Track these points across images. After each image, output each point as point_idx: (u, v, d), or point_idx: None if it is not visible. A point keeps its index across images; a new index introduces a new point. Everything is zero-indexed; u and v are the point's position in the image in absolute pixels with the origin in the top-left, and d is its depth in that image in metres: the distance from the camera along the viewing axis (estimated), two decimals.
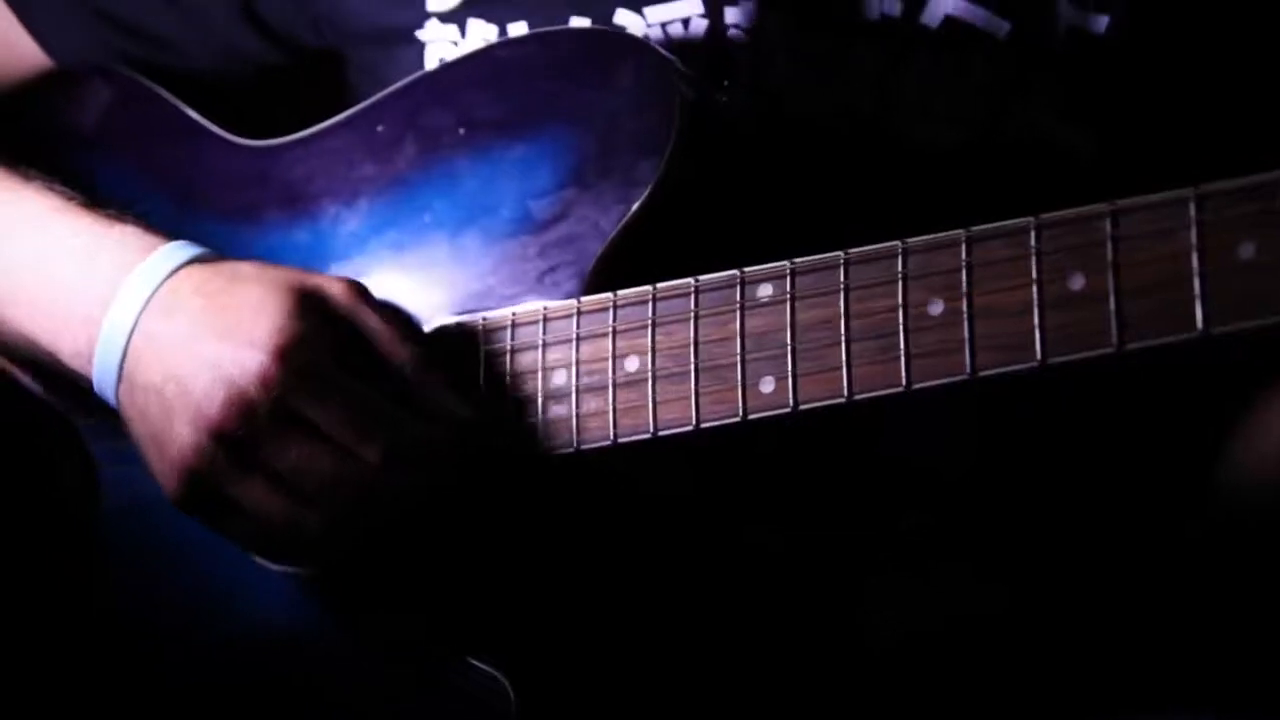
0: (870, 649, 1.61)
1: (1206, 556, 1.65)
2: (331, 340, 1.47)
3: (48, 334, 1.56)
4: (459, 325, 1.55)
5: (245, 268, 1.51)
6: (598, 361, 1.48)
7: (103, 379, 1.52)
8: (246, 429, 1.44)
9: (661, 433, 1.46)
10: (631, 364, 1.47)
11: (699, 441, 1.46)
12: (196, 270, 1.51)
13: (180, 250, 1.53)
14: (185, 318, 1.48)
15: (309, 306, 1.47)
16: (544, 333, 1.51)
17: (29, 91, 1.82)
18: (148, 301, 1.50)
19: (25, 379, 1.73)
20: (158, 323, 1.49)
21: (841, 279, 1.40)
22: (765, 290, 1.43)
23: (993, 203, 1.39)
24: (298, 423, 1.44)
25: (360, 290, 1.51)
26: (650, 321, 1.47)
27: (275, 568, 1.59)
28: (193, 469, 1.46)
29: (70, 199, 1.60)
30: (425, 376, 1.49)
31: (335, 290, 1.50)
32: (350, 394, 1.46)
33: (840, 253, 1.40)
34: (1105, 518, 1.66)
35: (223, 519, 1.49)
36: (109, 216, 1.58)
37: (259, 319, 1.45)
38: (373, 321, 1.50)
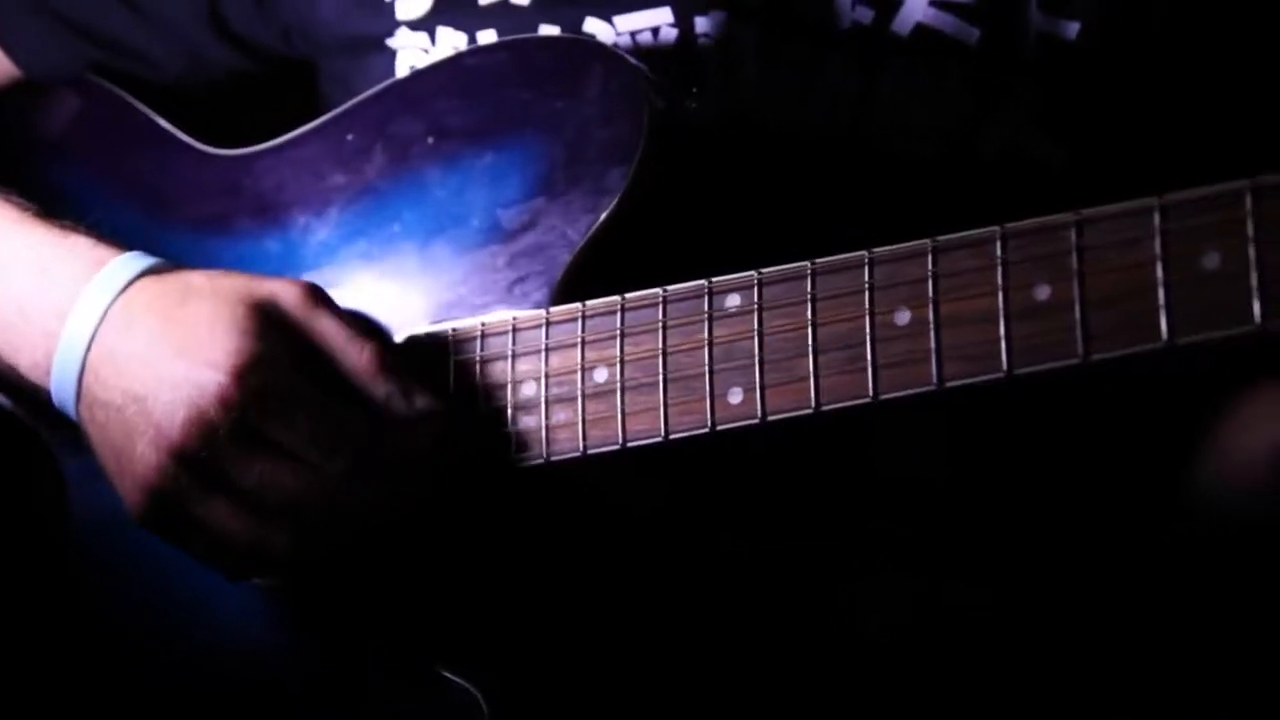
0: (855, 652, 1.61)
1: (1185, 559, 1.64)
2: (288, 353, 1.46)
3: (6, 346, 1.56)
4: (429, 335, 1.54)
5: (197, 279, 1.50)
6: (567, 373, 1.48)
7: (61, 393, 1.51)
8: (208, 450, 1.43)
9: (630, 444, 1.45)
10: (600, 375, 1.47)
11: (670, 452, 1.45)
12: (150, 283, 1.50)
13: (133, 262, 1.52)
14: (142, 334, 1.47)
15: (264, 318, 1.46)
16: (513, 343, 1.50)
17: None
18: (103, 316, 1.49)
19: None
20: (115, 339, 1.48)
21: (809, 289, 1.40)
22: (733, 300, 1.42)
23: (964, 213, 1.39)
24: (260, 442, 1.43)
25: (314, 293, 1.49)
26: (619, 332, 1.46)
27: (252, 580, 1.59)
28: (155, 488, 1.45)
29: (25, 209, 1.60)
30: (378, 377, 1.47)
31: (288, 296, 1.48)
32: (311, 408, 1.45)
33: (807, 263, 1.40)
34: (1082, 520, 1.66)
35: (186, 537, 1.48)
36: (63, 228, 1.57)
37: (214, 337, 1.44)
38: (326, 325, 1.48)
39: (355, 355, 1.47)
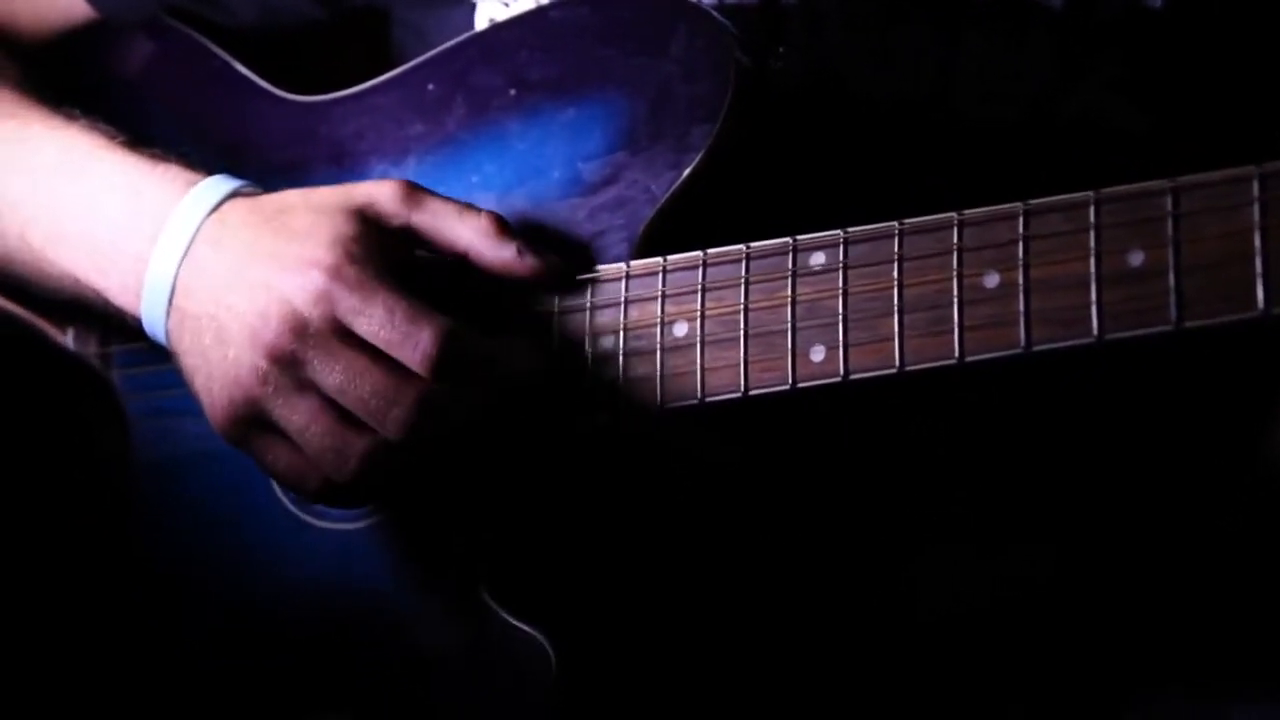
0: (919, 620, 1.61)
1: (1251, 530, 1.65)
2: (385, 249, 1.46)
3: (95, 272, 1.56)
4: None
5: (291, 196, 1.51)
6: (646, 326, 1.48)
7: (152, 314, 1.52)
8: (299, 345, 1.43)
9: (709, 399, 1.45)
10: (680, 329, 1.47)
11: (737, 420, 1.45)
12: (242, 202, 1.51)
13: (224, 183, 1.53)
14: (235, 245, 1.48)
15: (362, 221, 1.46)
16: (592, 295, 1.50)
17: (73, 43, 1.81)
18: (195, 234, 1.50)
19: (58, 334, 1.73)
20: (207, 252, 1.49)
21: (895, 249, 1.40)
22: (818, 258, 1.43)
23: (1044, 178, 1.39)
24: (350, 338, 1.43)
25: (411, 187, 1.49)
26: (700, 287, 1.46)
27: (318, 524, 1.59)
28: (246, 390, 1.45)
29: (113, 138, 1.60)
30: (500, 236, 1.47)
31: (383, 194, 1.48)
32: (401, 306, 1.43)
33: (895, 223, 1.40)
34: (1153, 484, 1.66)
35: (267, 447, 1.47)
36: (152, 156, 1.57)
37: (310, 239, 1.45)
38: (432, 206, 1.48)
39: (474, 220, 1.48)
